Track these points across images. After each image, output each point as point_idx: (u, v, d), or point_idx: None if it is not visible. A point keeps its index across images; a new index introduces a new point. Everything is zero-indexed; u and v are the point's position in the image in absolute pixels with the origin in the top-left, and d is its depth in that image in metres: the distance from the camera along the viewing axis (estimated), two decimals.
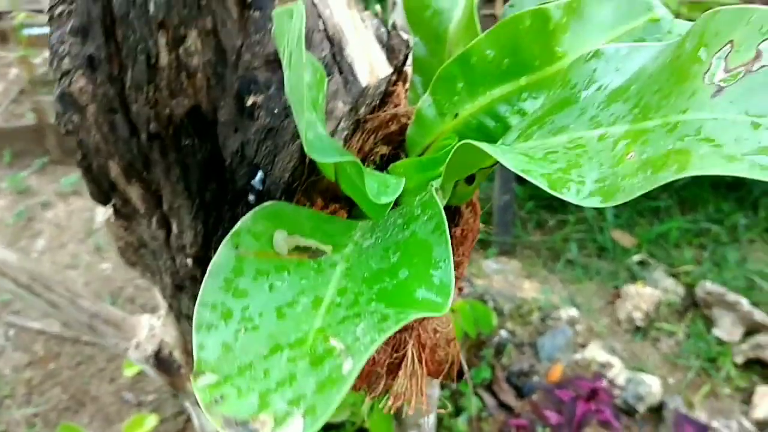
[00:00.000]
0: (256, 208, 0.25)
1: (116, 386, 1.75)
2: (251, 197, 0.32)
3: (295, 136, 0.31)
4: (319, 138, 0.21)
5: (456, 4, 0.39)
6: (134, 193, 0.34)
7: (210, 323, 0.21)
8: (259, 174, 0.32)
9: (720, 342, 1.61)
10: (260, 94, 0.31)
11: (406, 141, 0.38)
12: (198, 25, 0.28)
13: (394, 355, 0.38)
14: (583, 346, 1.49)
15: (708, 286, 1.66)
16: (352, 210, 0.33)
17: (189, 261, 0.36)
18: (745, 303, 1.61)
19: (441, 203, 0.23)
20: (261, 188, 0.32)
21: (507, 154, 0.22)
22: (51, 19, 0.27)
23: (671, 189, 1.96)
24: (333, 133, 0.33)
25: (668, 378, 1.47)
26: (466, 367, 0.43)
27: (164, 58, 0.28)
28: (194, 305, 0.39)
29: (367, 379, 0.40)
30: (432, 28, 0.40)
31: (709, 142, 0.19)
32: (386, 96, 0.39)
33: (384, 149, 0.39)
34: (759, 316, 1.61)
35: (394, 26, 0.41)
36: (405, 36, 0.41)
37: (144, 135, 0.31)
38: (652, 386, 1.31)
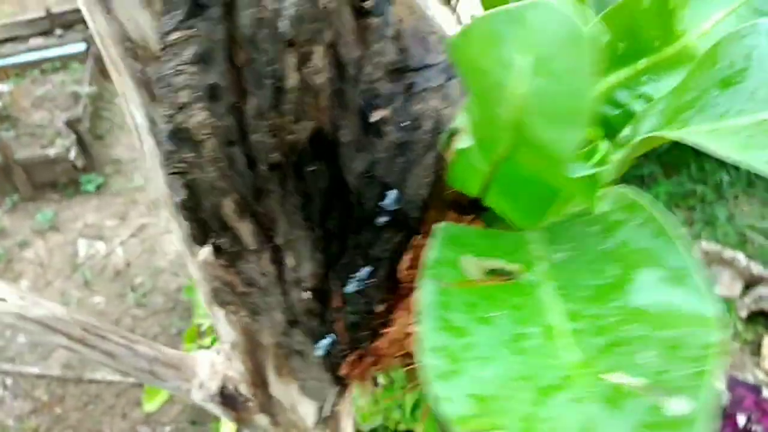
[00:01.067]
0: (435, 234, 0.23)
1: (130, 422, 1.68)
2: (382, 219, 0.30)
3: (428, 147, 0.28)
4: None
5: None
6: (245, 229, 0.31)
7: (444, 371, 0.19)
8: (392, 194, 0.29)
9: (722, 299, 1.64)
10: (386, 108, 0.28)
11: None
12: (323, 40, 0.25)
13: None
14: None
15: (704, 246, 1.70)
16: (484, 217, 0.31)
17: (306, 294, 0.33)
18: (741, 258, 1.65)
19: (653, 206, 0.21)
20: (394, 208, 0.29)
21: (714, 143, 0.21)
22: (164, 48, 0.23)
23: (653, 155, 2.00)
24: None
25: None
26: None
27: (291, 80, 0.25)
28: (309, 340, 0.36)
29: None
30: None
31: None
32: None
33: None
34: (756, 269, 1.65)
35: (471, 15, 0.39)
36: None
37: (264, 166, 0.28)
38: None
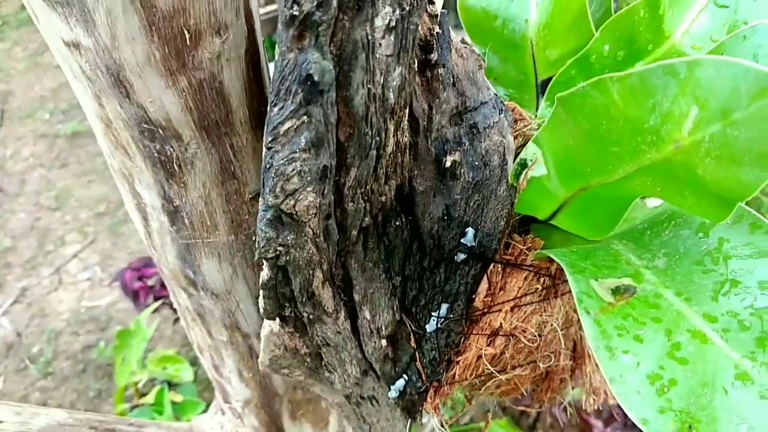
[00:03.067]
0: (567, 268, 0.26)
1: None
2: (461, 256, 0.32)
3: (499, 180, 0.31)
4: None
5: (526, 9, 0.40)
6: (327, 295, 0.31)
7: (637, 391, 0.22)
8: (470, 231, 0.31)
9: None
10: (456, 152, 0.30)
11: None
12: (408, 101, 0.27)
13: (573, 355, 0.41)
14: None
15: None
16: (547, 240, 0.34)
17: (383, 342, 0.34)
18: None
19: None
20: (473, 245, 0.31)
21: None
22: (274, 140, 0.23)
23: None
24: None
25: None
26: None
27: (390, 145, 0.26)
28: (381, 384, 0.37)
29: (550, 389, 0.42)
30: (503, 37, 0.40)
31: None
32: None
33: None
34: None
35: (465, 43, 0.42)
36: (477, 50, 0.42)
37: (354, 231, 0.29)
38: None
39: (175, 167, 0.32)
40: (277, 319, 0.32)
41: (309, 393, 0.52)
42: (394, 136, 0.25)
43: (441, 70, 0.27)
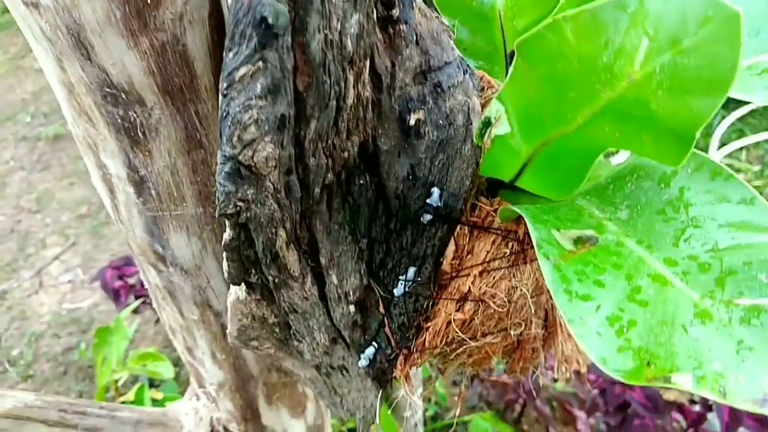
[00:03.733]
0: (528, 218, 0.26)
1: None
2: (426, 217, 0.32)
3: (464, 139, 0.31)
4: None
5: None
6: (292, 258, 0.31)
7: (596, 332, 0.22)
8: (435, 191, 0.31)
9: None
10: (420, 110, 0.30)
11: None
12: (369, 54, 0.27)
13: (545, 324, 0.41)
14: None
15: None
16: (516, 201, 0.34)
17: (351, 308, 0.34)
18: None
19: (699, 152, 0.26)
20: (438, 205, 0.31)
21: None
22: (230, 86, 0.23)
23: None
24: None
25: None
26: None
27: (350, 97, 0.26)
28: (351, 353, 0.37)
29: (522, 358, 0.42)
30: (473, 8, 0.41)
31: None
32: None
33: None
34: None
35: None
36: (446, 21, 0.42)
37: (317, 189, 0.28)
38: None
39: (140, 134, 0.32)
40: (243, 285, 0.32)
41: (285, 376, 0.51)
42: (354, 87, 0.24)
43: (403, 26, 0.27)
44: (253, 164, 0.24)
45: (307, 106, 0.24)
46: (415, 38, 0.28)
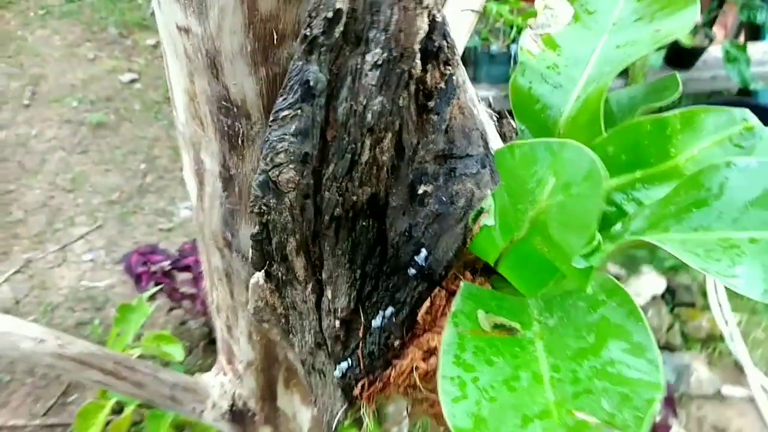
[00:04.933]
0: (461, 292, 0.34)
1: None
2: (411, 271, 0.41)
3: (459, 221, 0.40)
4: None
5: (566, 101, 0.49)
6: (299, 263, 0.42)
7: (454, 394, 0.30)
8: (423, 252, 0.41)
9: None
10: (430, 185, 0.40)
11: None
12: (393, 129, 0.38)
13: None
14: None
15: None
16: (492, 280, 0.42)
17: (337, 323, 0.44)
18: None
19: (627, 293, 0.33)
20: (423, 265, 0.41)
21: (684, 253, 0.32)
22: (273, 121, 0.35)
23: None
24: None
25: None
26: None
27: (365, 156, 0.37)
28: (330, 362, 0.47)
29: None
30: (540, 120, 0.50)
31: None
32: None
33: None
34: (612, 269, 2.19)
35: (503, 114, 0.52)
36: (513, 124, 0.52)
37: (327, 217, 0.40)
38: None
39: (239, 141, 0.45)
40: (263, 273, 0.43)
41: None
42: (370, 150, 0.36)
43: (434, 117, 0.38)
44: (277, 181, 0.35)
45: (329, 152, 0.35)
46: (444, 128, 0.38)
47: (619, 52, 0.49)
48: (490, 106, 0.53)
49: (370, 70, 0.34)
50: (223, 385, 0.71)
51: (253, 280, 0.48)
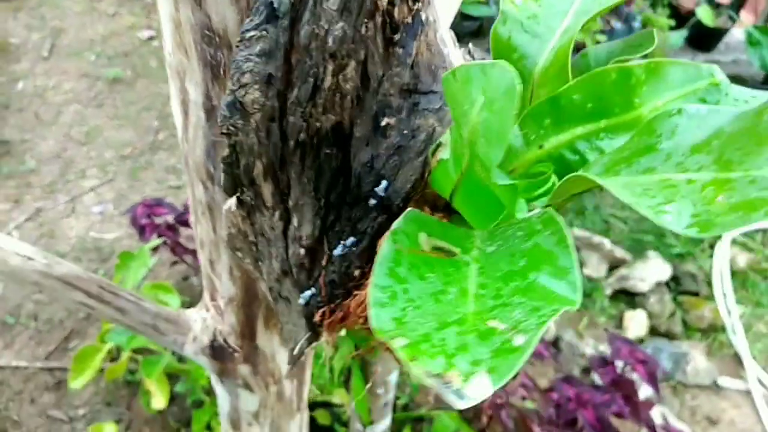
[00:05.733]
0: (404, 214, 0.37)
1: (39, 407, 1.82)
2: (372, 201, 0.44)
3: (419, 154, 0.42)
4: (498, 172, 0.33)
5: (542, 51, 0.51)
6: (267, 189, 0.45)
7: (382, 301, 0.32)
8: (383, 183, 0.43)
9: (590, 279, 2.20)
10: (393, 117, 0.42)
11: None
12: (356, 58, 0.40)
13: None
14: None
15: (576, 232, 2.05)
16: (452, 219, 0.45)
17: (302, 251, 0.47)
18: (606, 242, 2.09)
19: (563, 223, 0.35)
20: (383, 195, 0.43)
21: (620, 189, 0.34)
22: (240, 41, 0.38)
23: None
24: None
25: None
26: None
27: (327, 82, 0.39)
28: (295, 289, 0.50)
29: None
30: (518, 68, 0.51)
31: None
32: None
33: None
34: (619, 252, 2.21)
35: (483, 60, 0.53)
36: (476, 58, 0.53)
37: (292, 142, 0.42)
38: None
39: (221, 71, 0.48)
40: (235, 199, 0.46)
41: None
42: (333, 77, 0.38)
43: (399, 50, 0.40)
44: (243, 102, 0.37)
45: (293, 76, 0.37)
46: (409, 62, 0.40)
47: (594, 2, 0.50)
48: (469, 53, 0.55)
49: None
50: (205, 320, 0.74)
51: (225, 206, 0.51)
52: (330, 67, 0.40)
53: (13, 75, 3.00)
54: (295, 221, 0.47)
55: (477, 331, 0.31)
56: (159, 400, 1.49)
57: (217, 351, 0.76)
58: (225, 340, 0.75)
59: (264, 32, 0.38)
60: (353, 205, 0.45)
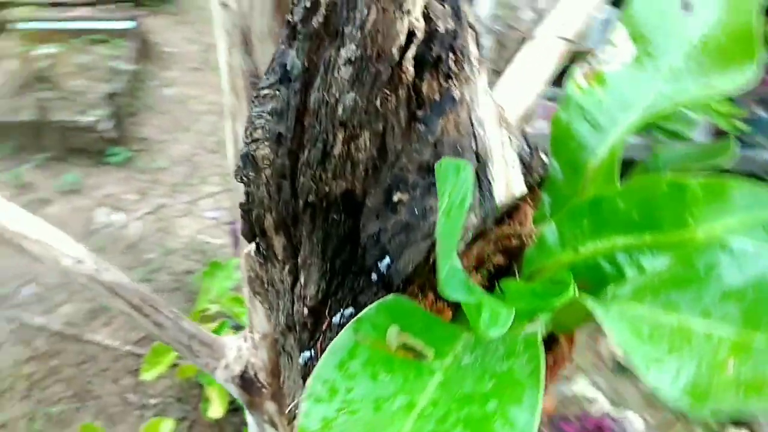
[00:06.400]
0: (381, 300, 0.34)
1: (120, 387, 1.94)
2: (374, 276, 0.42)
3: (426, 237, 0.40)
4: (453, 276, 0.30)
5: (600, 144, 0.47)
6: (278, 242, 0.44)
7: (319, 396, 0.30)
8: (387, 259, 0.41)
9: None
10: (406, 194, 0.40)
11: (524, 258, 0.46)
12: (372, 129, 0.38)
13: None
14: (569, 379, 1.80)
15: None
16: (457, 312, 0.42)
17: (305, 310, 0.46)
18: None
19: (542, 352, 0.31)
20: (384, 272, 0.41)
21: (614, 322, 0.30)
22: (256, 97, 0.38)
23: None
24: (458, 240, 0.42)
25: (646, 415, 1.73)
26: None
27: (337, 149, 0.38)
28: (296, 347, 0.49)
29: None
30: (573, 159, 0.48)
31: None
32: (514, 210, 0.48)
33: (500, 259, 0.48)
34: None
35: (536, 148, 0.50)
36: (545, 158, 0.50)
37: (302, 201, 0.41)
38: (634, 423, 1.61)
39: None
40: (254, 245, 0.46)
41: None
42: (344, 145, 0.37)
43: (421, 127, 0.38)
44: (255, 156, 0.38)
45: (304, 138, 0.37)
46: (431, 140, 0.39)
47: (666, 100, 0.46)
48: (523, 134, 0.51)
49: (344, 64, 0.35)
50: (240, 349, 0.75)
51: (245, 250, 0.51)
52: (340, 136, 0.39)
53: (164, 81, 3.28)
54: (302, 279, 0.46)
55: None
56: (216, 410, 1.54)
57: (246, 383, 0.77)
58: (255, 374, 0.75)
59: (277, 92, 0.37)
60: (357, 275, 0.44)
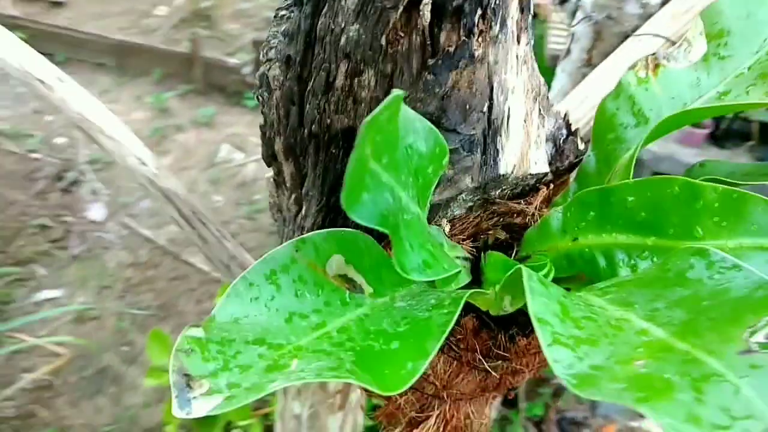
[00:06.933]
0: (336, 230, 0.35)
1: (200, 309, 2.07)
2: None
3: None
4: (373, 200, 0.30)
5: (639, 139, 0.43)
6: (287, 169, 0.46)
7: (239, 294, 0.31)
8: None
9: None
10: None
11: (524, 237, 0.45)
12: (377, 67, 0.39)
13: (418, 413, 0.46)
14: (642, 416, 1.63)
15: None
16: None
17: None
18: None
19: (459, 307, 0.30)
20: None
21: (538, 298, 0.29)
22: (274, 17, 0.39)
23: None
24: (451, 200, 0.42)
25: None
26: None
27: (340, 81, 0.39)
28: None
29: (387, 417, 0.49)
30: (608, 150, 0.45)
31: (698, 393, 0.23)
32: (531, 190, 0.46)
33: (502, 235, 0.46)
34: None
35: (574, 132, 0.48)
36: (581, 145, 0.47)
37: (307, 130, 0.43)
38: None
39: None
40: (272, 170, 0.48)
41: None
42: (346, 78, 0.38)
43: (429, 76, 0.38)
44: (268, 75, 0.39)
45: (312, 64, 0.38)
46: (438, 93, 0.38)
47: (720, 104, 0.42)
48: (567, 120, 0.49)
49: None
50: None
51: (267, 174, 0.53)
52: (342, 68, 0.39)
53: None
54: (303, 210, 0.47)
55: (275, 362, 0.28)
56: None
57: None
58: None
59: (291, 13, 0.39)
60: (347, 217, 0.44)
